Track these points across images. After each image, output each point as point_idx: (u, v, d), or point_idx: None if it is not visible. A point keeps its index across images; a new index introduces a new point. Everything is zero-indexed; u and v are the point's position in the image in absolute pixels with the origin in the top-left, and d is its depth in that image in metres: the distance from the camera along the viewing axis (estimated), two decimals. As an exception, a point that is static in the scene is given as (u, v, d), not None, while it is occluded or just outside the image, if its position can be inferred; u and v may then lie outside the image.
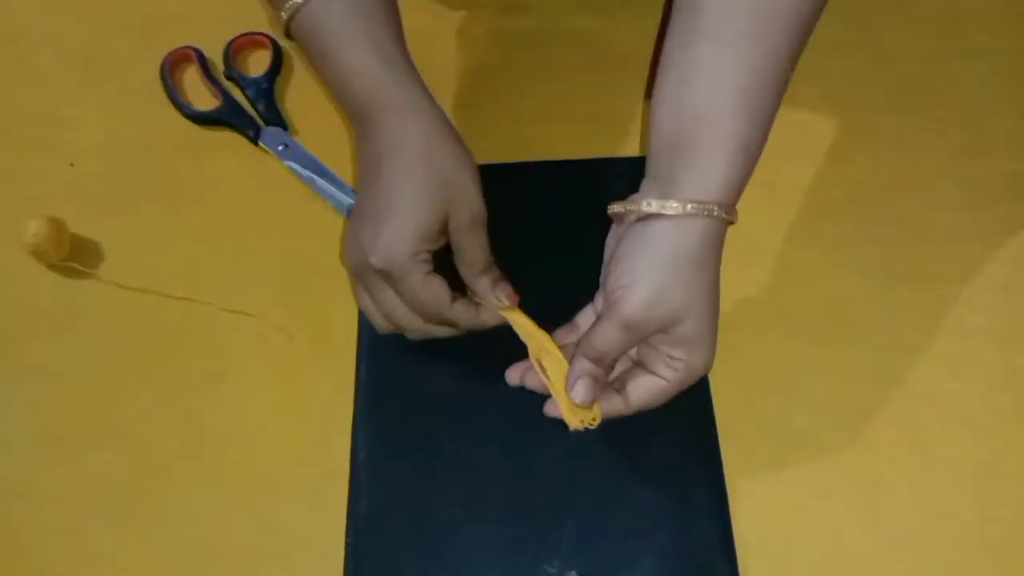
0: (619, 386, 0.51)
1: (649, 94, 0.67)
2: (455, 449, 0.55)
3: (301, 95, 0.72)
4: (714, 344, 0.49)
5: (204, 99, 0.71)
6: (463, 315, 0.53)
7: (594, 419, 0.51)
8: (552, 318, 0.54)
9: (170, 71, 0.72)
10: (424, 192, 0.50)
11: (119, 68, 0.74)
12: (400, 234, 0.50)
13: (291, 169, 0.67)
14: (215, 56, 0.73)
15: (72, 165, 0.69)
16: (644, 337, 0.49)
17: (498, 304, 0.54)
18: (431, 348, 0.55)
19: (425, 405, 0.57)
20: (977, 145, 0.68)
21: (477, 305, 0.54)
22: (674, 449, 0.55)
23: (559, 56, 0.74)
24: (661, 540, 0.52)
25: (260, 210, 0.66)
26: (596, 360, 0.50)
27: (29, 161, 0.69)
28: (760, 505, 0.55)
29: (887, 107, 0.70)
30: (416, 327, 0.53)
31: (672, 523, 0.53)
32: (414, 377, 0.57)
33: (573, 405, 0.51)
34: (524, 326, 0.54)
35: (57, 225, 0.62)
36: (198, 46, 0.73)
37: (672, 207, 0.47)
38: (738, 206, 0.48)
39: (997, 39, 0.74)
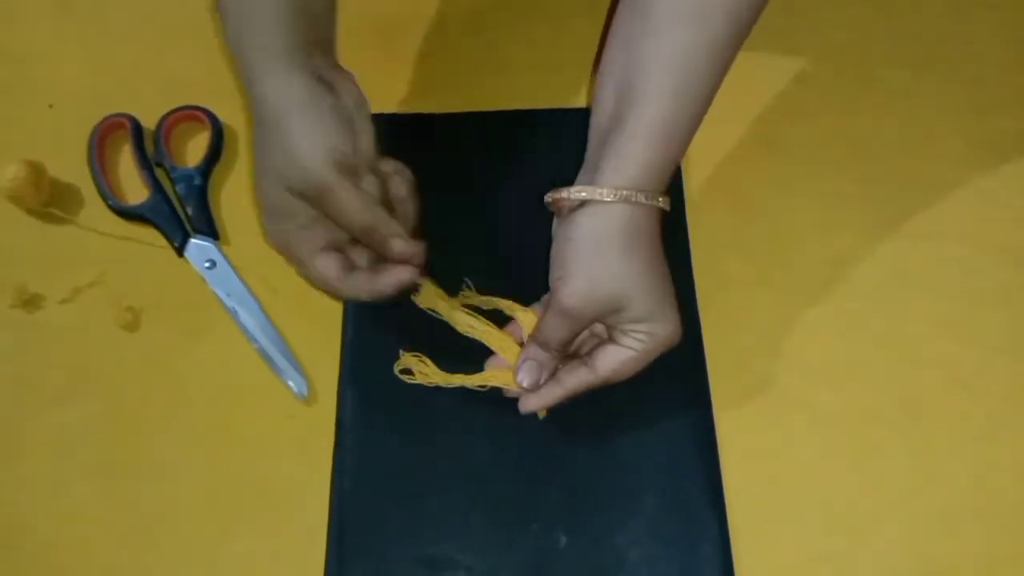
0: (588, 360, 0.51)
1: (596, 68, 0.65)
2: (442, 408, 0.54)
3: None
4: (673, 317, 0.50)
5: (136, 186, 0.63)
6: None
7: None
8: (531, 274, 0.54)
9: (99, 146, 0.63)
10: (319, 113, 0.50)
11: (99, 4, 0.71)
12: (308, 143, 0.49)
13: (216, 295, 0.58)
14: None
15: (51, 106, 0.66)
16: (588, 323, 0.50)
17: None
18: (417, 307, 0.55)
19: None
20: (985, 102, 0.66)
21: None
22: (666, 409, 0.54)
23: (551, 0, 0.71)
24: (650, 501, 0.52)
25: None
26: (543, 345, 0.51)
27: (5, 102, 0.67)
28: (752, 467, 0.54)
29: (892, 61, 0.68)
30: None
31: (662, 484, 0.52)
32: (400, 335, 0.56)
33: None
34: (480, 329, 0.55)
35: (36, 169, 0.60)
36: (133, 113, 0.64)
37: (594, 193, 0.47)
38: (662, 194, 0.49)
39: (1008, -7, 0.71)
